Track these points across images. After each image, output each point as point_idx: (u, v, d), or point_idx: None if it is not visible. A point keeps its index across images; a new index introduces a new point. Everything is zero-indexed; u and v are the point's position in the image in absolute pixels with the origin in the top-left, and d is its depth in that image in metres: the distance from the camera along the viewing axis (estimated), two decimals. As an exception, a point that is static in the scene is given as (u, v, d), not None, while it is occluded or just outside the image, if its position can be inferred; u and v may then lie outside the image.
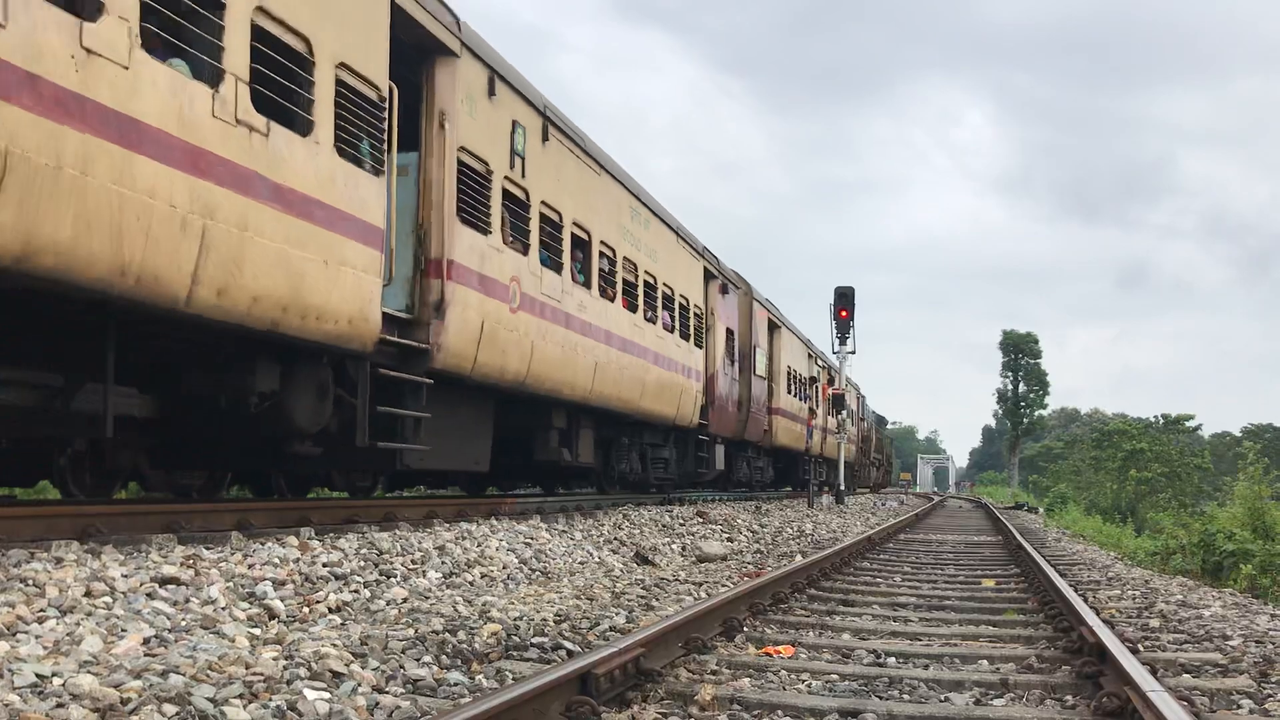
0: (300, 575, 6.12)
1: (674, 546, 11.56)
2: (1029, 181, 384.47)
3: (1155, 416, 72.08)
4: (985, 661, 5.42)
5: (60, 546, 5.60)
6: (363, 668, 4.32)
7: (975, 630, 6.50)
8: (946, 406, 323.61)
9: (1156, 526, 27.02)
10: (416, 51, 9.41)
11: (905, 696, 4.62)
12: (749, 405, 23.02)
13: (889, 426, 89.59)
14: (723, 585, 8.17)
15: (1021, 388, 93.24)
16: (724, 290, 20.99)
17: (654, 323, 16.02)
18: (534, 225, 11.49)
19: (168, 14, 6.33)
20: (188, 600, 5.15)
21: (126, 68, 5.94)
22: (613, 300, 14.10)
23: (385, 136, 8.61)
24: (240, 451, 9.17)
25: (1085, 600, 7.24)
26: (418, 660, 4.62)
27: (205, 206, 6.52)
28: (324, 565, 6.45)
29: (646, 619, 6.16)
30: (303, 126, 7.54)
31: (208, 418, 8.28)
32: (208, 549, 6.20)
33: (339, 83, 7.97)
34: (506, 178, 10.82)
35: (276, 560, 6.26)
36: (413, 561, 7.27)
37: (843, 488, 30.18)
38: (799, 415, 29.15)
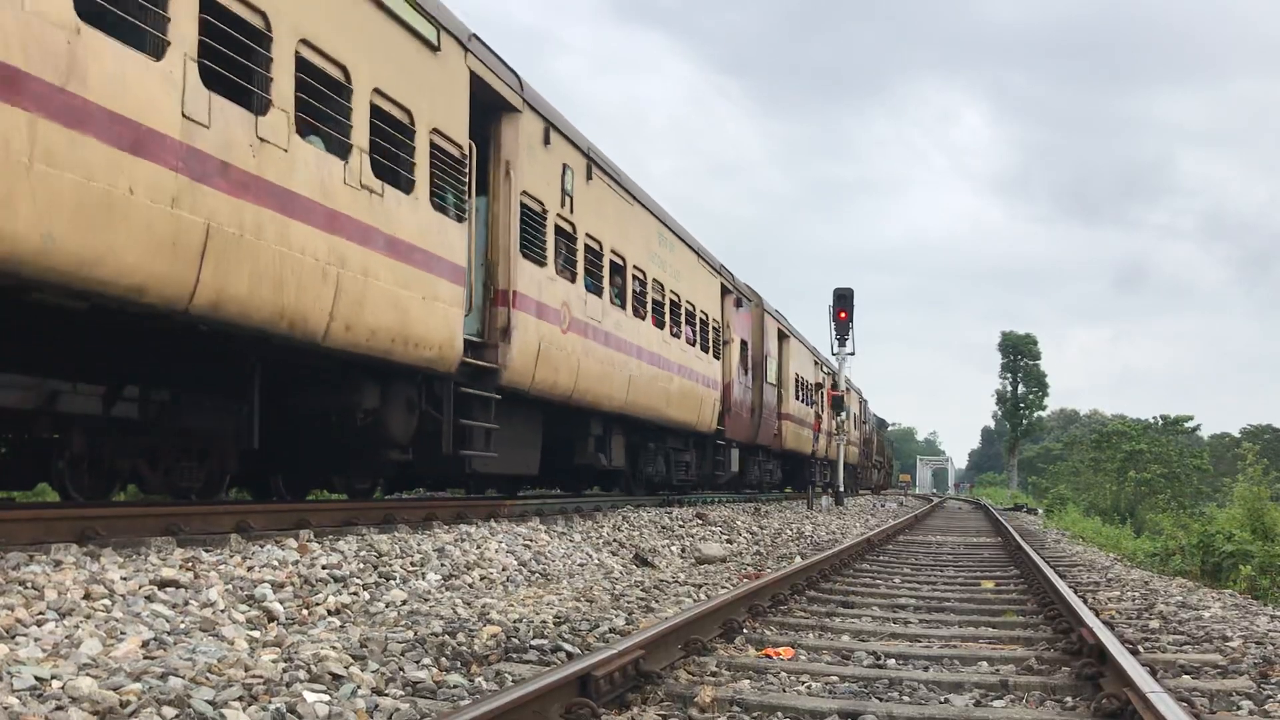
0: (299, 577, 6.11)
1: (673, 548, 11.56)
2: (1027, 182, 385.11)
3: (1154, 417, 72.25)
4: (985, 663, 5.42)
5: (59, 549, 5.60)
6: (362, 670, 4.32)
7: (975, 632, 6.50)
8: (945, 408, 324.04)
9: (1156, 527, 27.02)
10: (487, 110, 10.81)
11: (905, 698, 4.62)
12: (761, 411, 24.34)
13: (888, 428, 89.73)
14: (722, 587, 8.17)
15: (1020, 389, 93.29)
16: (738, 304, 22.35)
17: (678, 337, 17.46)
18: (580, 255, 13.04)
19: (312, 101, 7.77)
20: (187, 603, 5.14)
21: (286, 150, 7.37)
22: (644, 319, 15.66)
23: (466, 187, 10.12)
24: (345, 459, 10.54)
25: (1085, 601, 7.24)
26: (417, 662, 4.61)
27: (339, 258, 7.96)
28: (323, 567, 6.45)
29: (646, 621, 6.16)
30: (406, 186, 8.99)
31: (319, 431, 9.61)
32: (207, 551, 6.19)
33: (433, 146, 9.46)
34: (558, 214, 12.35)
35: (276, 562, 6.26)
36: (412, 564, 7.27)
37: (842, 489, 30.17)
38: (806, 420, 30.55)
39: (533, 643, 5.22)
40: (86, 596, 4.89)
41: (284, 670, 4.14)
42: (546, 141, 11.93)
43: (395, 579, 6.76)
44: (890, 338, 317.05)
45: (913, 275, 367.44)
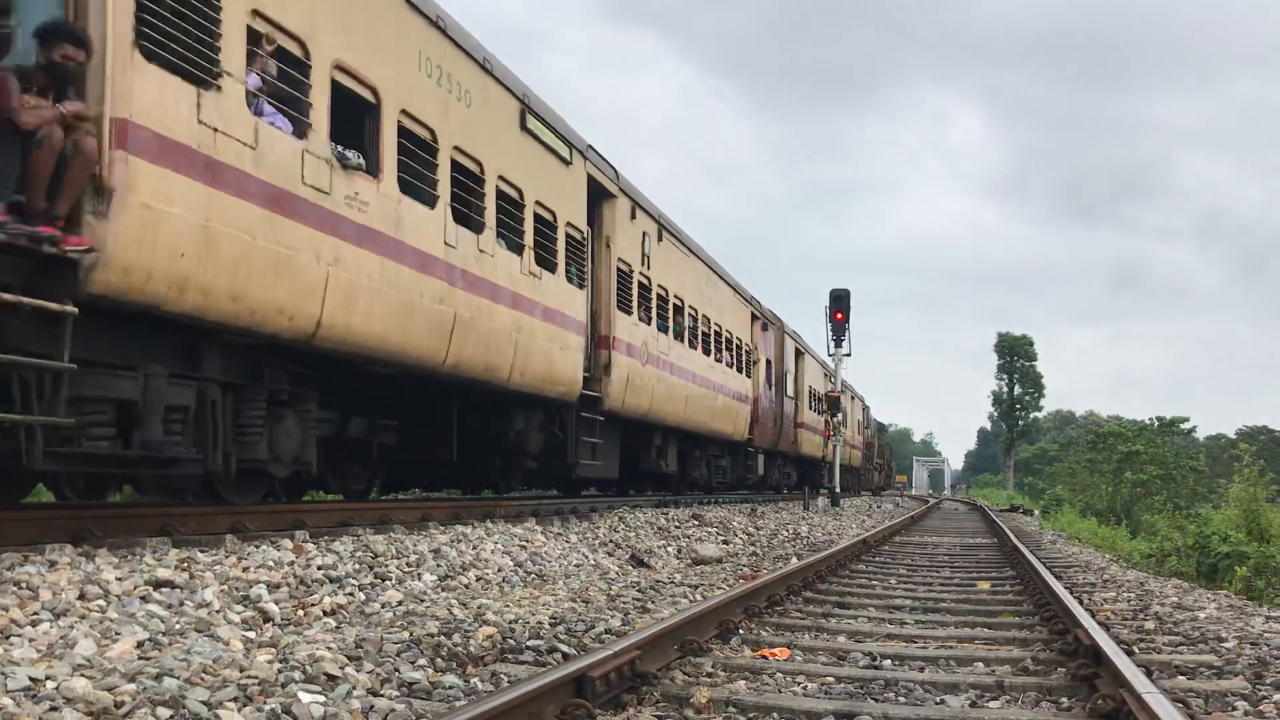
0: (295, 578, 6.11)
1: (669, 549, 11.56)
2: (1023, 183, 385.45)
3: (1150, 419, 72.24)
4: (981, 664, 5.42)
5: (54, 549, 5.59)
6: (358, 670, 4.32)
7: (971, 632, 6.50)
8: (942, 409, 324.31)
9: (1151, 529, 27.04)
10: (594, 197, 14.08)
11: (901, 699, 4.62)
12: (781, 421, 27.60)
13: (886, 431, 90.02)
14: (718, 588, 8.17)
15: (1017, 390, 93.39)
16: (764, 328, 25.79)
17: (720, 361, 21.02)
18: (653, 303, 16.54)
19: (503, 217, 11.00)
20: (182, 603, 5.14)
21: (492, 256, 10.63)
22: (696, 349, 19.21)
23: (586, 261, 13.59)
24: (494, 467, 13.61)
25: (1080, 602, 7.25)
26: (413, 663, 4.61)
27: (517, 326, 11.15)
28: (319, 568, 6.44)
29: (642, 622, 6.15)
30: (552, 267, 12.22)
31: (480, 446, 12.47)
32: (202, 552, 6.19)
33: (567, 235, 12.78)
34: (640, 272, 15.92)
35: (271, 563, 6.25)
36: (408, 564, 7.26)
37: (838, 490, 30.21)
38: (818, 428, 33.71)
39: (529, 643, 5.22)
40: (81, 597, 4.88)
41: (279, 671, 4.14)
42: (633, 217, 15.53)
43: (391, 580, 6.76)
44: (886, 339, 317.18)
45: (909, 276, 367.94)
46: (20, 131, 5.56)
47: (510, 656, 5.00)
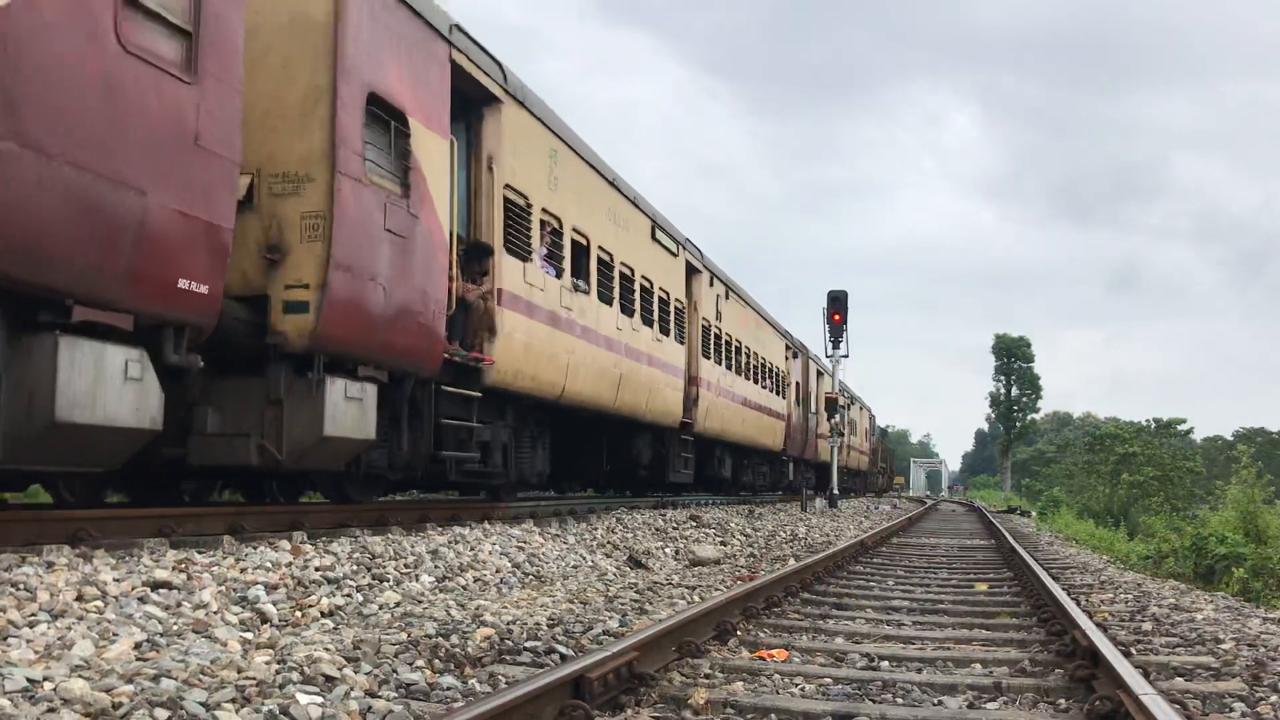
0: (293, 579, 6.10)
1: (667, 550, 11.56)
2: (1019, 184, 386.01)
3: (1147, 420, 72.34)
4: (979, 665, 5.43)
5: (52, 551, 5.58)
6: (355, 672, 4.31)
7: (969, 634, 6.50)
8: (939, 410, 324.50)
9: (1149, 530, 27.06)
10: (689, 274, 19.01)
11: (899, 700, 4.62)
12: (806, 433, 32.58)
13: (887, 435, 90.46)
14: (716, 589, 8.17)
15: (1014, 391, 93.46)
16: (794, 356, 30.87)
17: (764, 388, 26.04)
18: (725, 349, 21.80)
19: (643, 302, 15.65)
20: (180, 604, 5.13)
21: (637, 331, 15.33)
22: (749, 379, 24.33)
23: (684, 324, 18.47)
24: (620, 476, 18.11)
25: (1078, 604, 7.25)
26: (411, 664, 4.61)
27: (650, 377, 15.93)
28: (316, 569, 6.44)
29: (640, 623, 6.15)
30: (666, 332, 17.08)
31: (614, 460, 17.06)
32: (200, 553, 6.18)
33: (676, 308, 17.71)
34: (715, 326, 20.94)
35: (269, 564, 6.25)
36: (405, 565, 7.26)
37: (835, 491, 30.24)
38: (827, 435, 38.39)
39: (526, 645, 5.22)
40: (79, 598, 4.88)
41: (277, 672, 4.14)
42: (711, 284, 20.54)
43: (389, 581, 6.75)
44: (884, 340, 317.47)
45: (905, 278, 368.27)
46: (467, 304, 10.32)
47: (508, 658, 5.00)
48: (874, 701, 4.53)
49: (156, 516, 7.26)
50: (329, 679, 4.14)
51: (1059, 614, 6.54)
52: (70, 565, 5.36)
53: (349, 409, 8.13)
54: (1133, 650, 5.73)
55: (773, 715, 4.23)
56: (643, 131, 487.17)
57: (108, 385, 5.98)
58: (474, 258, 10.41)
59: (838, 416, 31.66)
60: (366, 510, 9.69)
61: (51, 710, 3.38)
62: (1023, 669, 5.31)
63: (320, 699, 3.85)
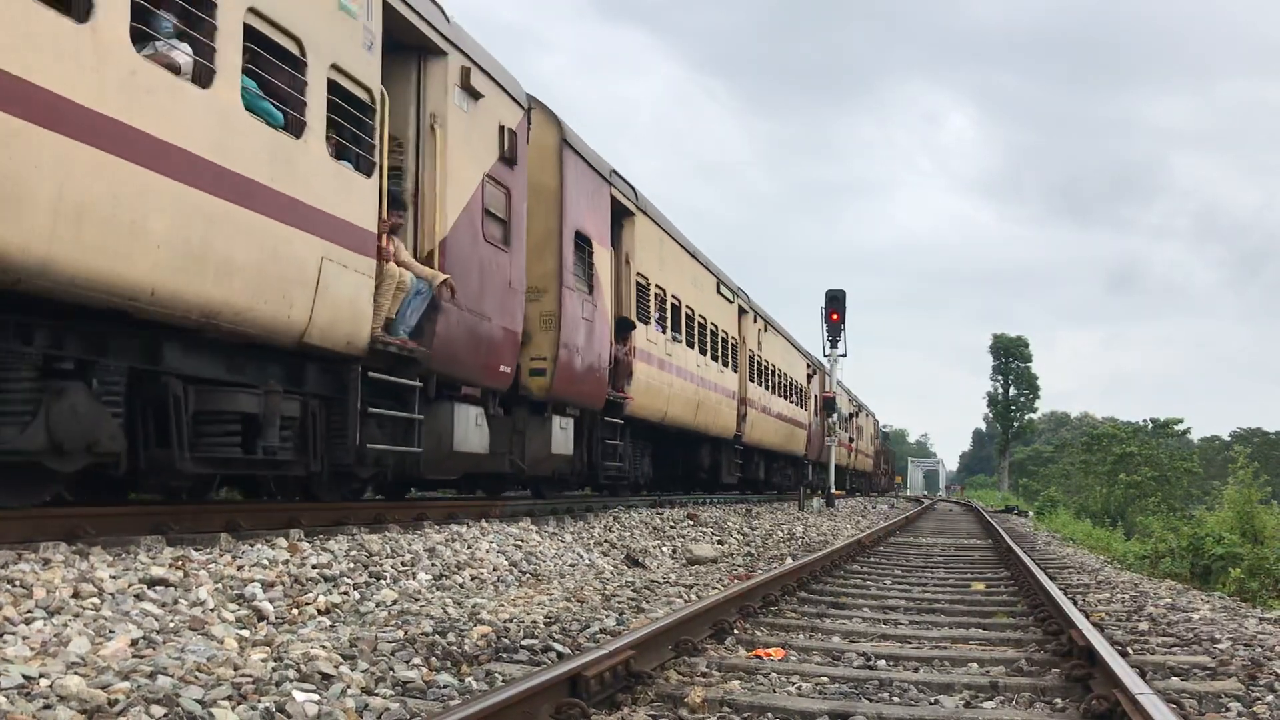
0: (289, 577, 6.09)
1: (664, 549, 11.56)
2: (1017, 183, 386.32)
3: (1145, 420, 72.41)
4: (975, 664, 5.43)
5: (48, 547, 5.57)
6: (352, 669, 4.31)
7: (965, 633, 6.51)
8: (937, 410, 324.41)
9: (1146, 530, 27.06)
10: (740, 313, 24.18)
11: (895, 699, 4.63)
12: (822, 439, 35.97)
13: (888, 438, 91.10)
14: (713, 588, 8.17)
15: (1012, 391, 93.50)
16: (814, 373, 35.74)
17: (793, 403, 31.12)
18: (764, 373, 26.89)
19: (710, 344, 20.75)
20: (176, 602, 5.13)
21: (708, 365, 20.37)
22: (782, 396, 29.35)
23: (737, 356, 23.30)
24: (686, 479, 21.89)
25: (1075, 603, 7.25)
26: (407, 662, 4.61)
27: (717, 400, 20.95)
28: (313, 567, 6.43)
29: (637, 621, 6.15)
30: (727, 363, 22.24)
31: (685, 468, 21.41)
32: (196, 550, 6.17)
33: (732, 344, 23.09)
34: (758, 355, 25.91)
35: (266, 562, 6.24)
36: (402, 563, 7.25)
37: (832, 490, 30.26)
38: (844, 443, 43.55)
39: (523, 643, 5.22)
40: (75, 595, 4.87)
41: (273, 669, 4.13)
42: (754, 321, 25.68)
43: (386, 579, 6.75)
44: (881, 340, 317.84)
45: (902, 277, 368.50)
46: (615, 359, 14.44)
47: (505, 656, 5.00)
48: (870, 700, 4.53)
49: (153, 514, 7.25)
50: (326, 677, 4.14)
51: (1055, 613, 6.54)
52: (67, 562, 5.35)
53: (563, 435, 12.82)
54: (1129, 650, 5.74)
55: (769, 714, 4.24)
56: (640, 130, 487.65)
57: (471, 429, 10.35)
58: (621, 327, 15.03)
59: (834, 416, 31.73)
60: (364, 508, 9.69)
61: (47, 707, 3.38)
62: (1019, 668, 5.32)
63: (317, 697, 3.85)
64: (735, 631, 6.08)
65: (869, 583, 9.30)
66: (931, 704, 4.55)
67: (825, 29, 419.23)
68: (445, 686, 4.28)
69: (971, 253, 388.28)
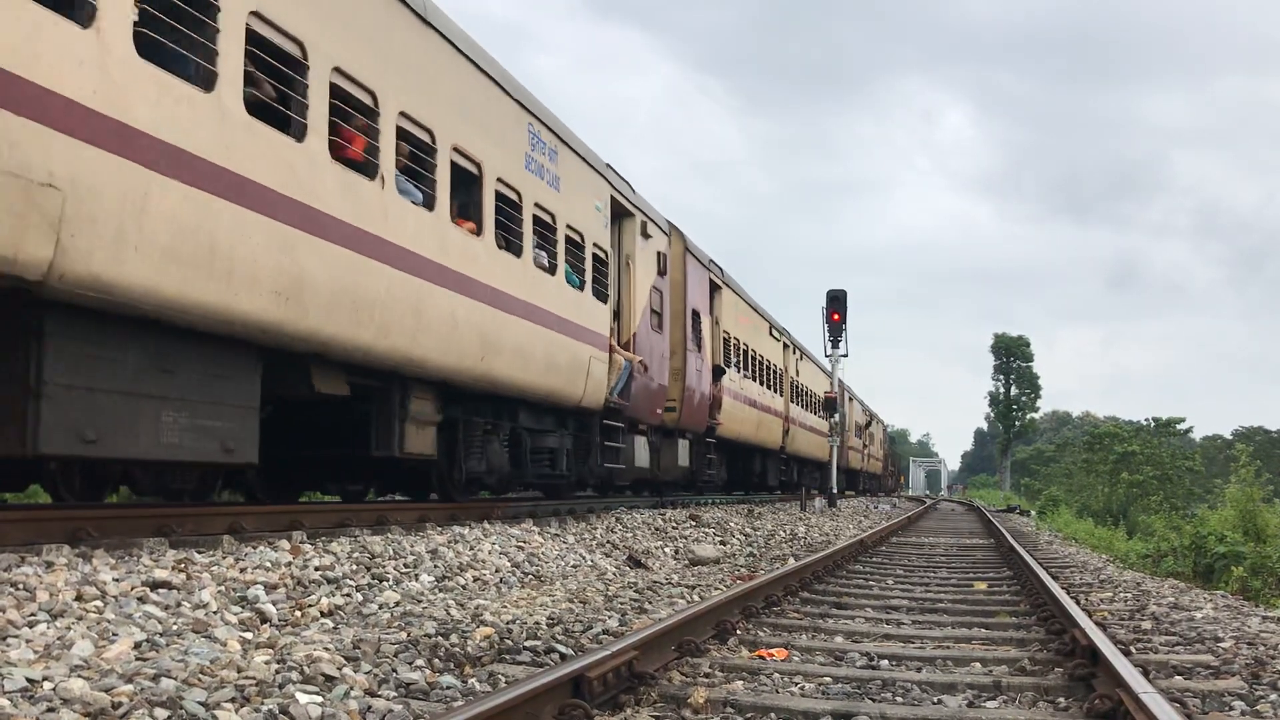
0: (292, 579, 6.10)
1: (666, 550, 11.56)
2: (1016, 182, 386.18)
3: (1146, 419, 72.24)
4: (978, 664, 5.43)
5: (51, 550, 5.58)
6: (355, 671, 4.31)
7: (968, 633, 6.51)
8: (938, 409, 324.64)
9: (1148, 529, 27.06)
10: (785, 349, 29.46)
11: (898, 699, 4.62)
12: (844, 449, 41.24)
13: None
14: (715, 588, 8.17)
15: (1013, 391, 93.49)
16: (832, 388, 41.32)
17: (821, 417, 34.53)
18: (800, 395, 31.88)
19: (765, 376, 26.60)
20: (179, 604, 5.13)
21: (766, 392, 26.63)
22: (810, 411, 33.95)
23: (783, 384, 29.12)
24: (740, 482, 27.10)
25: (1077, 602, 7.25)
26: (410, 664, 4.61)
27: (772, 422, 27.03)
28: (316, 569, 6.44)
29: (639, 622, 6.15)
30: (777, 391, 28.34)
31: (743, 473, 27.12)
32: (199, 553, 6.18)
33: (779, 373, 28.64)
34: (797, 380, 31.57)
35: (268, 564, 6.25)
36: (405, 565, 7.25)
37: (834, 490, 30.26)
38: (857, 447, 49.29)
39: (526, 644, 5.22)
40: (78, 598, 4.87)
41: (277, 671, 4.13)
42: (794, 352, 31.04)
43: (388, 580, 6.75)
44: (882, 339, 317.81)
45: (902, 276, 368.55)
46: (712, 395, 20.11)
47: (508, 657, 5.00)
48: (873, 700, 4.53)
49: (156, 516, 7.25)
50: (328, 678, 4.14)
51: (1058, 613, 6.54)
52: (70, 565, 5.35)
53: (684, 453, 18.75)
54: (1132, 649, 5.74)
55: (772, 714, 4.24)
56: (636, 129, 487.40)
57: (643, 452, 15.73)
58: (715, 373, 20.24)
59: (836, 417, 31.72)
60: (366, 510, 9.69)
61: (51, 710, 3.38)
62: (1022, 668, 5.32)
63: (320, 698, 3.85)
64: (738, 632, 6.08)
65: (871, 583, 9.30)
66: (935, 704, 4.55)
67: (821, 27, 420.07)
68: (448, 688, 4.28)
69: (971, 251, 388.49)
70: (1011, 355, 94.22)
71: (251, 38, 6.93)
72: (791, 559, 10.94)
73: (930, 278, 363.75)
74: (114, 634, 4.45)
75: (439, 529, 9.11)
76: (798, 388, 31.53)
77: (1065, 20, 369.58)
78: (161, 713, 3.48)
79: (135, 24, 5.99)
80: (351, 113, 8.14)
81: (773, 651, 5.51)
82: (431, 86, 9.29)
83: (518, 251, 10.90)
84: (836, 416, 31.71)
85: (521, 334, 10.88)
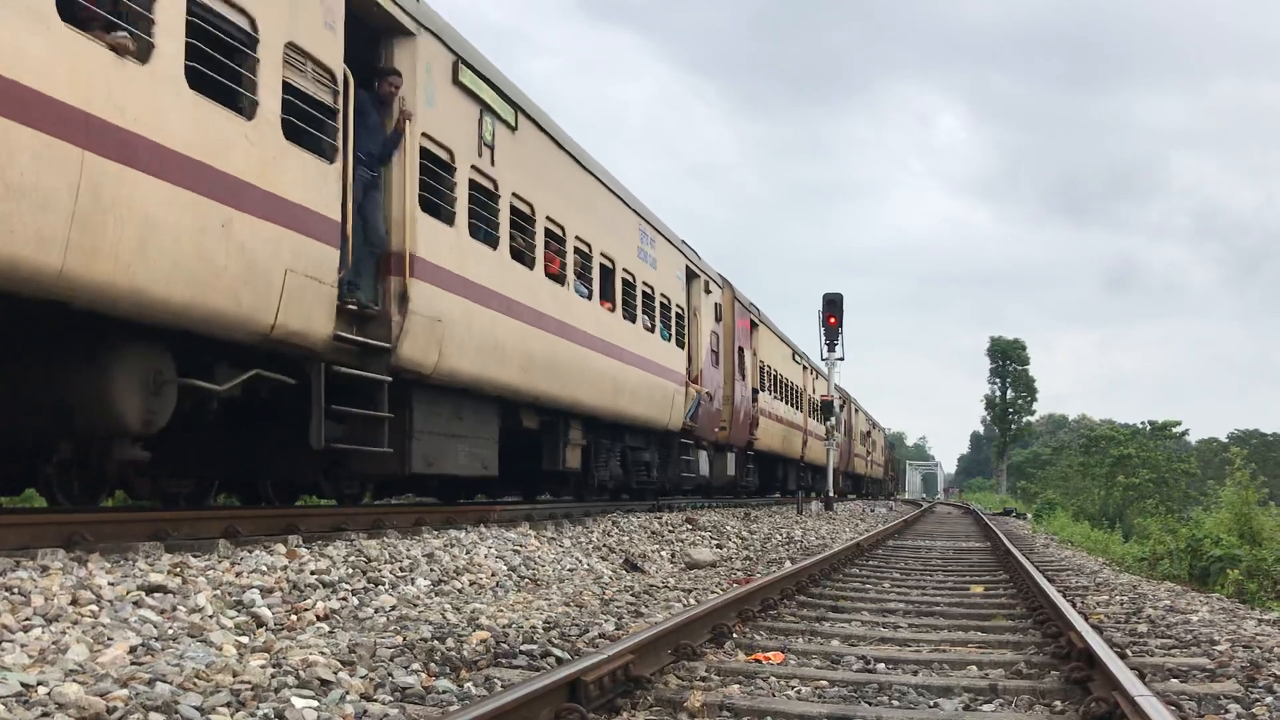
0: (288, 583, 6.09)
1: (663, 553, 11.55)
2: (1012, 184, 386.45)
3: (1142, 422, 72.37)
4: (974, 667, 5.43)
5: (46, 554, 5.57)
6: (351, 675, 4.31)
7: (964, 636, 6.51)
8: (934, 412, 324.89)
9: (1144, 532, 27.06)
10: (804, 369, 34.58)
11: (895, 702, 4.62)
12: (849, 453, 44.74)
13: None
14: (712, 592, 8.17)
15: (1009, 394, 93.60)
16: (845, 402, 41.99)
17: (821, 422, 36.46)
18: (817, 409, 34.28)
19: (790, 396, 31.73)
20: (175, 608, 5.12)
21: (790, 410, 31.13)
22: (819, 421, 34.70)
23: (802, 401, 33.51)
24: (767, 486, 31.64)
25: (1073, 605, 7.25)
26: (406, 668, 4.60)
27: (801, 438, 33.12)
28: (312, 573, 6.43)
29: (635, 626, 6.15)
30: (798, 408, 32.70)
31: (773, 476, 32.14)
32: (195, 557, 6.17)
33: (799, 390, 32.67)
34: (814, 397, 35.37)
35: (264, 568, 6.24)
36: (401, 569, 7.25)
37: (831, 493, 30.28)
38: (862, 454, 53.15)
39: (522, 648, 5.21)
40: (73, 602, 4.86)
41: (272, 676, 4.13)
42: (812, 375, 35.11)
43: (384, 584, 6.74)
44: (878, 342, 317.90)
45: (898, 279, 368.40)
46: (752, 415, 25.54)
47: (504, 661, 4.99)
48: (870, 704, 4.53)
49: (152, 520, 7.24)
50: (324, 683, 4.13)
51: (1054, 616, 6.54)
52: (65, 569, 5.34)
53: (732, 464, 23.29)
54: (1128, 652, 5.74)
55: (769, 718, 4.23)
56: (631, 131, 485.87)
57: (705, 464, 20.55)
58: (754, 396, 23.75)
59: (833, 419, 31.78)
60: (362, 514, 9.69)
61: (45, 715, 3.37)
62: (1018, 671, 5.32)
63: (315, 703, 3.84)
64: (734, 635, 6.08)
65: (868, 586, 9.30)
66: (931, 707, 4.55)
67: (813, 29, 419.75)
68: (444, 692, 4.28)
69: (967, 254, 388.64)
70: (1007, 358, 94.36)
71: (514, 210, 11.29)
72: (788, 562, 10.93)
73: (926, 281, 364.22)
74: (109, 638, 4.44)
75: (435, 532, 9.10)
76: (813, 404, 35.08)
77: (1059, 23, 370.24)
78: (157, 717, 3.47)
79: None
80: (553, 243, 12.44)
81: (769, 655, 5.51)
82: (590, 214, 13.87)
83: (633, 318, 15.49)
84: (832, 420, 31.75)
85: (636, 378, 15.28)
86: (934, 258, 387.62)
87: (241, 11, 6.97)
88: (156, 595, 5.24)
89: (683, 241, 19.07)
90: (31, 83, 5.36)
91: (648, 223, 16.46)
